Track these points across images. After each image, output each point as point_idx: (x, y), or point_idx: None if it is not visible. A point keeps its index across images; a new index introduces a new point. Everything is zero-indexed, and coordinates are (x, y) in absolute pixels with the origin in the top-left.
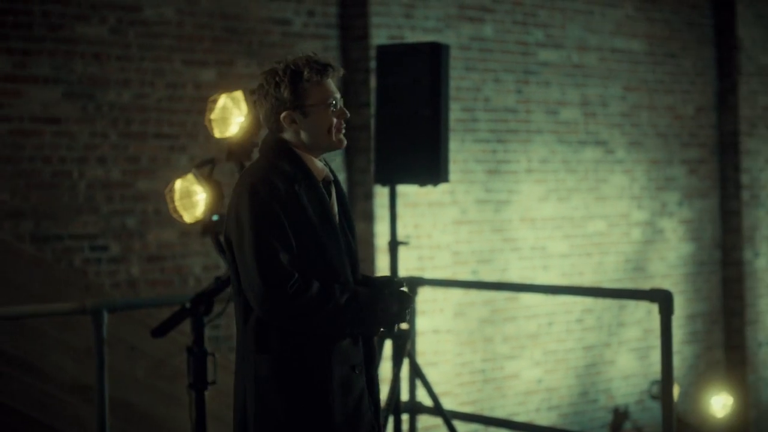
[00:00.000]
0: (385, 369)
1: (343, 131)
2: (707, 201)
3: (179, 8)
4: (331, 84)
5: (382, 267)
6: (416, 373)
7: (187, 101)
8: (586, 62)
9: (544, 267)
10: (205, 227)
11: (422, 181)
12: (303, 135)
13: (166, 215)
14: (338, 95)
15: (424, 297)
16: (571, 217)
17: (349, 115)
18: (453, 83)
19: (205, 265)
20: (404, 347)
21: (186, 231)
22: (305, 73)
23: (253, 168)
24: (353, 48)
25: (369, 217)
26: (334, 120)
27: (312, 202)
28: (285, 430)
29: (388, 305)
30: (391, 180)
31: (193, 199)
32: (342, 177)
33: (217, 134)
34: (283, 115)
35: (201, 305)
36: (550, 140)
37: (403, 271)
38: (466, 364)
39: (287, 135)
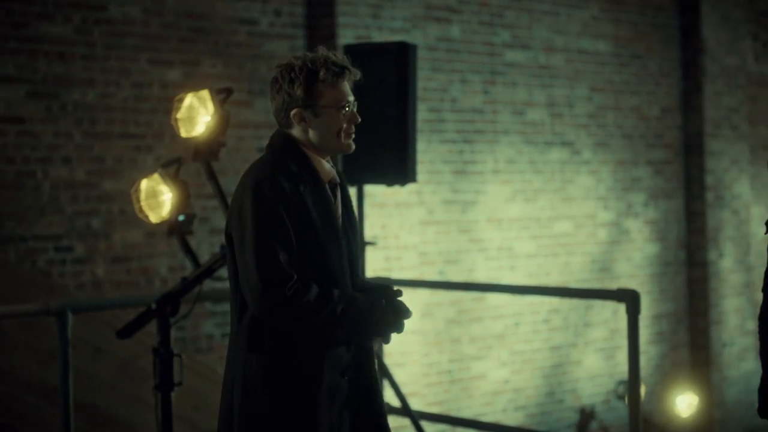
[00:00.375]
0: None
1: (353, 136)
2: (672, 202)
3: (145, 7)
4: (346, 87)
5: None
6: (384, 373)
7: (153, 101)
8: (553, 63)
9: (510, 267)
10: (171, 227)
11: (389, 181)
12: (311, 134)
13: (131, 215)
14: (352, 99)
15: None
16: (538, 217)
17: (360, 120)
18: (420, 84)
19: (171, 266)
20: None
21: (152, 231)
22: (321, 73)
23: (260, 164)
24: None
25: None
26: (344, 124)
27: (316, 203)
28: (269, 430)
29: (385, 314)
30: (358, 180)
31: (159, 199)
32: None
33: (183, 134)
34: (293, 112)
35: (167, 306)
36: (517, 141)
37: (370, 272)
38: (433, 364)
39: (295, 132)
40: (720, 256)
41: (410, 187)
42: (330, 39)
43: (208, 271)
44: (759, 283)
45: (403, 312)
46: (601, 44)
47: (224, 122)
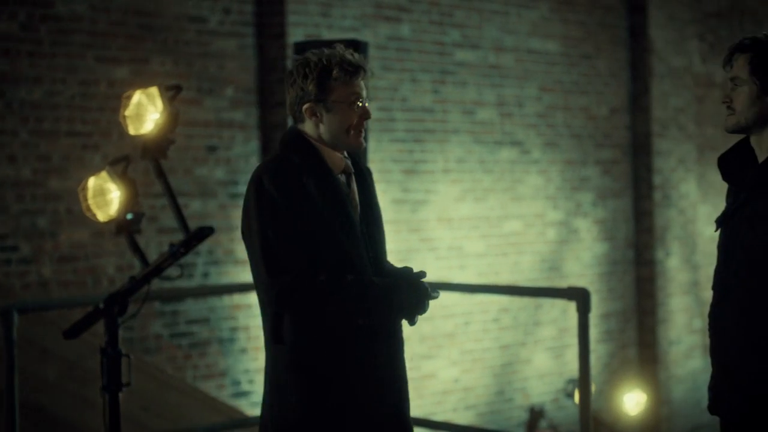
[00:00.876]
0: None
1: (363, 133)
2: (621, 201)
3: (92, 4)
4: (360, 84)
5: None
6: None
7: (100, 99)
8: (503, 63)
9: (460, 267)
10: (119, 226)
11: None
12: (322, 129)
13: (78, 215)
14: (365, 95)
15: None
16: (488, 216)
17: (371, 116)
18: (370, 82)
19: (118, 266)
20: None
21: (99, 231)
22: (335, 71)
23: (266, 160)
24: (270, 46)
25: None
26: (355, 120)
27: (324, 194)
28: (301, 424)
29: (406, 297)
30: None
31: (106, 197)
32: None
33: (131, 131)
34: (306, 106)
35: (115, 305)
36: (467, 140)
37: None
38: None
39: (307, 127)
40: (667, 255)
41: None
42: (280, 37)
43: (157, 271)
44: (705, 281)
45: (426, 293)
46: (550, 44)
47: (173, 120)
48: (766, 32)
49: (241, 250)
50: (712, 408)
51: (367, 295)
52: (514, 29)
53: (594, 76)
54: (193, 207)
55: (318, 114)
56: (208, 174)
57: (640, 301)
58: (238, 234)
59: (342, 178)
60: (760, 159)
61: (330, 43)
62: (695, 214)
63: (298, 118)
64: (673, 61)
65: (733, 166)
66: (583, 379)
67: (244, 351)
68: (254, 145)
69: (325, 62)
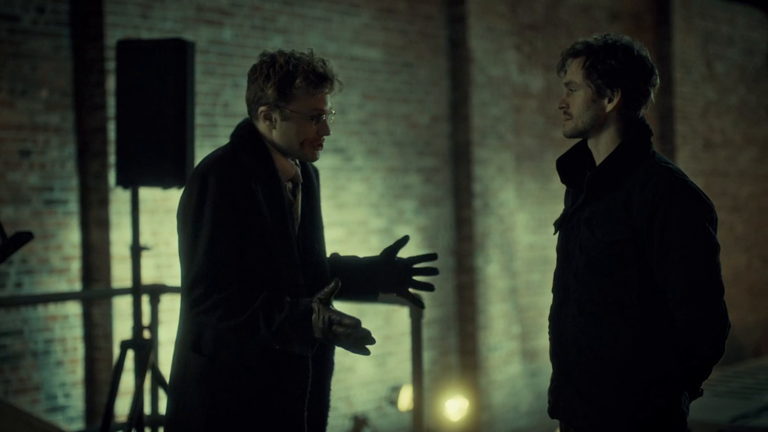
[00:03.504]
0: (127, 381)
1: (320, 148)
2: (442, 209)
3: None
4: (324, 97)
5: (118, 276)
6: (160, 384)
7: None
8: None
9: None
10: None
11: (166, 184)
12: (275, 135)
13: None
14: (328, 108)
15: (166, 306)
16: None
17: (330, 133)
18: (202, 87)
19: None
20: (147, 358)
21: None
22: (298, 80)
23: (213, 155)
24: (87, 48)
25: (104, 224)
26: (312, 135)
27: (269, 202)
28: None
29: (309, 327)
30: (133, 183)
31: None
32: (74, 183)
33: None
34: (261, 108)
35: None
36: None
37: (144, 279)
38: None
39: (261, 126)
40: (486, 263)
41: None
42: (98, 39)
43: None
44: (523, 288)
45: (315, 324)
46: (372, 52)
47: None
48: (597, 36)
49: (56, 258)
50: (553, 412)
51: (283, 326)
52: (336, 36)
53: (415, 84)
54: (5, 213)
55: (273, 119)
56: (22, 179)
57: (461, 308)
58: (54, 242)
59: (289, 185)
60: (598, 161)
61: (154, 43)
62: (513, 221)
63: (254, 117)
64: (492, 71)
65: (572, 168)
66: (416, 384)
67: (59, 364)
68: (71, 149)
69: (290, 68)
